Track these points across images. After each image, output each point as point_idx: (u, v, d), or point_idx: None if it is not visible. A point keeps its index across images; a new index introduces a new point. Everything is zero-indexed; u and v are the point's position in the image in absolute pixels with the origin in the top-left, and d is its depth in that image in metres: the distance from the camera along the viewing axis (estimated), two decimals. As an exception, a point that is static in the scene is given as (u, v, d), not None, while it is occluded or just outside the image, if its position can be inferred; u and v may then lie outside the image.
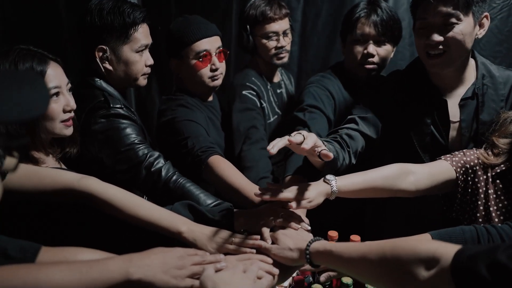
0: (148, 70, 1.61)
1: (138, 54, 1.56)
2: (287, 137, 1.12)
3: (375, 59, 1.76)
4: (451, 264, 0.75)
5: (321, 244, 1.07)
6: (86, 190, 1.12)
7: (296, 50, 2.65)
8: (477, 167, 1.36)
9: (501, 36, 2.29)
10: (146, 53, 1.60)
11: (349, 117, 1.62)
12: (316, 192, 1.23)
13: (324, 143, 1.31)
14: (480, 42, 2.31)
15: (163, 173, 1.42)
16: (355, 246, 0.99)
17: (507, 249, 0.69)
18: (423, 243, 0.84)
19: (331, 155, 1.18)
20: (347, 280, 1.26)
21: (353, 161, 1.50)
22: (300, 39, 2.63)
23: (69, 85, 1.29)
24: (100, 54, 1.52)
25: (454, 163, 1.36)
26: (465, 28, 1.44)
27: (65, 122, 1.27)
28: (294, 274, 1.37)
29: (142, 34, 1.55)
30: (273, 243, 1.16)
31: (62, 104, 1.25)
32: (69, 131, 1.29)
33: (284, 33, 1.95)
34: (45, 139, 1.26)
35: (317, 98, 1.74)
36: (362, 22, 1.74)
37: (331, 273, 1.26)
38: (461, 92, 1.58)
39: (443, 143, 1.58)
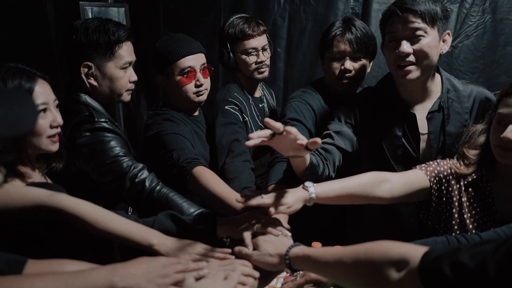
0: (132, 86, 1.66)
1: (122, 70, 1.60)
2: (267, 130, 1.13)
3: (352, 74, 1.83)
4: (419, 265, 0.78)
5: (300, 249, 1.11)
6: (56, 206, 1.13)
7: (282, 66, 2.72)
8: (450, 177, 1.41)
9: (477, 53, 2.38)
10: (130, 70, 1.64)
11: (325, 132, 1.68)
12: (295, 198, 1.27)
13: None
14: (458, 58, 2.40)
15: (147, 183, 1.45)
16: (332, 250, 1.02)
17: (469, 249, 0.73)
18: (393, 246, 0.87)
19: (319, 140, 1.17)
20: None
21: (332, 174, 1.54)
22: (285, 55, 2.71)
23: (56, 101, 1.32)
24: (86, 70, 1.56)
25: (428, 172, 1.42)
26: (431, 42, 1.52)
27: (51, 138, 1.29)
28: (284, 274, 1.41)
29: (126, 52, 1.60)
30: (254, 249, 1.19)
31: (49, 120, 1.28)
32: (55, 147, 1.31)
33: (263, 49, 2.01)
34: (31, 155, 1.28)
35: (299, 112, 1.80)
36: (337, 40, 1.81)
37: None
38: (428, 105, 1.65)
39: (414, 155, 1.64)
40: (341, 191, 1.35)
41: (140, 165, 1.49)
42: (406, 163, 1.61)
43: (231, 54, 2.00)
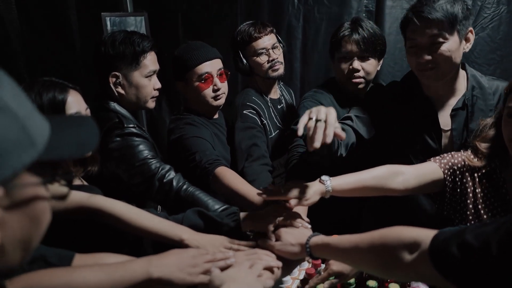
0: (156, 93, 1.76)
1: (147, 79, 1.71)
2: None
3: (361, 73, 1.88)
4: (429, 247, 0.84)
5: (319, 238, 1.18)
6: (95, 207, 1.24)
7: (298, 66, 2.77)
8: (464, 169, 1.44)
9: (493, 44, 2.38)
10: (154, 78, 1.74)
11: (346, 115, 1.73)
12: (312, 191, 1.35)
13: None
14: (474, 50, 2.40)
15: (174, 183, 1.54)
16: (349, 237, 1.08)
17: (473, 230, 0.77)
18: (406, 231, 0.93)
19: (344, 135, 1.25)
20: (393, 286, 1.37)
21: (343, 153, 1.57)
22: (301, 55, 2.75)
23: (88, 110, 1.41)
24: (114, 80, 1.67)
25: (442, 164, 1.45)
26: (451, 46, 1.52)
27: None
28: (307, 265, 1.49)
29: (150, 61, 1.71)
30: (276, 240, 1.28)
31: None
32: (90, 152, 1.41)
33: (273, 47, 2.07)
34: (69, 162, 1.37)
35: None
36: (345, 40, 1.86)
37: (334, 281, 1.36)
38: (452, 102, 1.66)
39: (437, 150, 1.66)
40: (356, 184, 1.40)
41: (167, 167, 1.58)
42: (425, 158, 1.64)
43: (243, 59, 2.07)
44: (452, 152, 1.49)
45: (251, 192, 1.55)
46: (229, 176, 1.63)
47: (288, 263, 1.26)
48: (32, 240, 0.59)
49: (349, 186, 1.40)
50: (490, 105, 1.63)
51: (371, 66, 1.89)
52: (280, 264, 1.20)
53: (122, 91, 1.69)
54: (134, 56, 1.66)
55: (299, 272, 1.54)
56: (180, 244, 1.24)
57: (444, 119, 1.67)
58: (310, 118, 1.23)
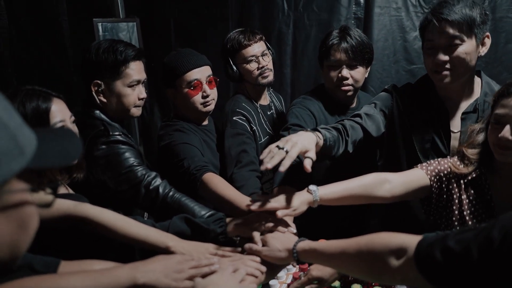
0: (141, 102, 1.74)
1: (130, 88, 1.69)
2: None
3: (350, 81, 1.90)
4: (414, 252, 0.85)
5: (306, 244, 1.19)
6: (82, 215, 1.24)
7: (289, 72, 2.80)
8: (451, 175, 1.47)
9: (479, 51, 2.42)
10: (139, 88, 1.73)
11: (356, 112, 1.75)
12: (300, 201, 1.36)
13: (322, 131, 1.47)
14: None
15: (161, 190, 1.54)
16: (336, 243, 1.09)
17: (456, 235, 0.80)
18: (392, 236, 0.94)
19: (309, 169, 1.30)
20: (335, 283, 1.39)
21: (350, 149, 1.61)
22: (291, 61, 2.79)
23: (72, 117, 1.41)
24: (96, 88, 1.67)
25: (429, 171, 1.47)
26: (468, 48, 1.55)
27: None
28: (295, 269, 1.51)
29: (134, 71, 1.69)
30: (263, 245, 1.28)
31: None
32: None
33: (263, 54, 2.10)
34: (55, 169, 1.37)
35: (300, 118, 1.88)
36: (334, 49, 1.88)
37: (313, 286, 1.39)
38: (464, 106, 1.69)
39: (444, 151, 1.68)
40: (344, 193, 1.42)
41: (153, 173, 1.59)
42: (433, 157, 1.64)
43: (233, 66, 2.10)
44: (439, 159, 1.52)
45: (238, 198, 1.57)
46: (216, 182, 1.64)
47: (273, 267, 1.27)
48: (20, 245, 0.62)
49: (336, 195, 1.41)
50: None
51: (359, 74, 1.92)
52: (264, 268, 1.22)
53: (104, 100, 1.68)
54: (116, 65, 1.64)
55: (286, 276, 1.56)
56: (166, 252, 1.25)
57: (455, 122, 1.70)
58: (277, 146, 1.31)
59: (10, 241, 0.59)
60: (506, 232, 0.70)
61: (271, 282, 1.50)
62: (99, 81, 1.66)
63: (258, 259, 1.25)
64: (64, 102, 1.39)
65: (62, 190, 1.41)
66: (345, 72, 1.88)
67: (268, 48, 2.16)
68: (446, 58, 1.57)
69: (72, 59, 2.98)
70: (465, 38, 1.54)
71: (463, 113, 1.67)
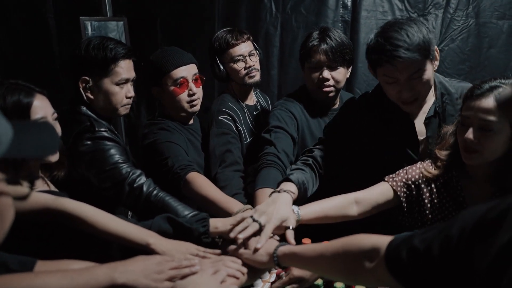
0: (128, 101, 1.72)
1: (119, 86, 1.67)
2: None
3: (331, 82, 1.90)
4: (384, 253, 0.87)
5: (286, 248, 1.21)
6: (60, 209, 1.22)
7: (276, 73, 2.82)
8: (420, 181, 1.48)
9: (463, 56, 2.47)
10: (127, 86, 1.71)
11: (320, 138, 1.78)
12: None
13: (297, 172, 1.53)
14: (444, 61, 2.49)
15: (145, 188, 1.53)
16: (313, 246, 1.12)
17: (421, 234, 0.81)
18: (366, 238, 0.96)
19: (293, 242, 1.34)
20: (318, 281, 1.41)
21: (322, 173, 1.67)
22: (278, 62, 2.80)
23: (55, 114, 1.38)
24: (83, 84, 1.65)
25: (394, 183, 1.50)
26: (428, 73, 1.53)
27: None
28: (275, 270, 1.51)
29: (124, 69, 1.67)
30: (245, 248, 1.29)
31: None
32: (55, 157, 1.37)
33: (250, 54, 2.10)
34: (35, 165, 1.36)
35: (281, 120, 1.89)
36: (314, 50, 1.88)
37: (294, 286, 1.40)
38: (425, 110, 1.69)
39: (415, 158, 1.68)
40: (320, 214, 1.47)
41: (138, 171, 1.58)
42: (406, 166, 1.68)
43: (220, 65, 2.10)
44: (407, 168, 1.53)
45: (221, 198, 1.57)
46: (200, 181, 1.64)
47: (256, 270, 1.28)
48: None
49: (314, 215, 1.46)
50: (459, 110, 1.65)
51: (340, 74, 1.92)
52: (245, 270, 1.22)
53: (91, 96, 1.66)
54: (105, 62, 1.63)
55: (270, 275, 1.57)
56: (146, 249, 1.24)
57: (419, 128, 1.70)
58: (251, 217, 1.34)
59: None
60: (463, 229, 0.70)
61: (255, 281, 1.50)
62: (87, 78, 1.64)
63: (239, 260, 1.25)
64: (47, 98, 1.37)
65: (44, 186, 1.39)
66: (326, 73, 1.88)
67: (256, 48, 2.17)
68: (410, 93, 1.54)
69: (59, 58, 2.96)
70: (425, 67, 1.50)
71: (426, 119, 1.68)
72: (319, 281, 1.47)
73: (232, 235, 1.30)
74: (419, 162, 1.55)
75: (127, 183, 1.54)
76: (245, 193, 1.79)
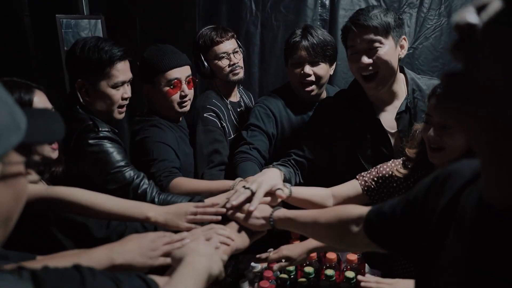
0: (123, 102, 1.71)
1: (115, 89, 1.66)
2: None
3: (312, 77, 1.96)
4: (364, 219, 1.00)
5: (281, 212, 1.31)
6: (55, 196, 1.23)
7: (257, 71, 2.85)
8: (391, 179, 1.54)
9: (436, 53, 2.57)
10: (124, 88, 1.69)
11: (296, 142, 1.86)
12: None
13: (282, 167, 1.63)
14: (418, 58, 2.59)
15: (148, 195, 1.53)
16: (308, 212, 1.24)
17: (389, 202, 0.93)
18: (355, 208, 1.09)
19: (283, 197, 1.48)
20: (349, 274, 1.49)
21: (301, 180, 1.80)
22: (259, 60, 2.83)
23: (53, 110, 1.38)
24: (80, 86, 1.63)
25: (363, 182, 1.58)
26: (388, 50, 1.67)
27: (51, 145, 1.36)
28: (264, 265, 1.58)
29: (120, 71, 1.65)
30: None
31: None
32: (55, 154, 1.38)
33: (234, 51, 2.14)
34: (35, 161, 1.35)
35: (259, 118, 1.98)
36: (296, 47, 1.95)
37: (283, 264, 1.51)
38: (397, 104, 1.79)
39: (387, 153, 1.77)
40: (308, 197, 1.56)
41: (141, 175, 1.58)
42: (378, 161, 1.74)
43: (205, 62, 2.12)
44: (379, 165, 1.60)
45: (211, 184, 1.64)
46: (186, 184, 1.65)
47: (251, 234, 1.36)
48: (12, 217, 0.64)
49: (302, 196, 1.55)
50: None
51: (322, 70, 1.97)
52: (234, 237, 1.28)
53: (87, 98, 1.64)
54: (100, 65, 1.61)
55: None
56: (147, 223, 1.28)
57: (390, 122, 1.79)
58: (243, 186, 1.42)
59: (6, 212, 0.62)
60: (417, 195, 0.83)
61: (253, 263, 1.59)
62: (83, 80, 1.62)
63: (228, 229, 1.31)
64: (44, 94, 1.37)
65: (40, 184, 1.38)
66: (307, 68, 1.95)
67: (239, 46, 2.20)
68: (370, 61, 1.67)
69: (35, 57, 2.90)
70: (383, 40, 1.66)
71: (397, 114, 1.77)
72: (310, 269, 1.52)
73: (228, 205, 1.35)
74: (392, 160, 1.60)
75: (131, 188, 1.54)
76: None
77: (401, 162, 1.54)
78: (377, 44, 1.66)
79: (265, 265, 1.58)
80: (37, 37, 2.88)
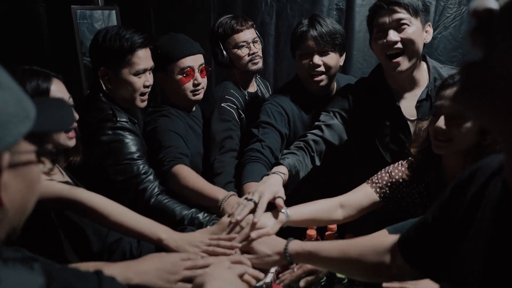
0: (145, 90, 1.72)
1: (137, 77, 1.66)
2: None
3: (322, 68, 1.88)
4: (397, 240, 0.95)
5: (298, 245, 1.20)
6: (75, 198, 1.23)
7: (272, 62, 2.82)
8: (404, 183, 1.51)
9: (455, 43, 2.51)
10: (146, 75, 1.70)
11: (316, 123, 1.80)
12: (274, 221, 1.41)
13: (289, 156, 1.57)
14: (437, 48, 2.53)
15: (147, 193, 1.52)
16: (333, 244, 1.14)
17: (420, 217, 0.90)
18: (386, 236, 1.04)
19: (283, 206, 1.44)
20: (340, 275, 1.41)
21: (318, 163, 1.71)
22: (274, 51, 2.81)
23: (71, 99, 1.39)
24: (102, 74, 1.65)
25: (378, 188, 1.54)
26: (416, 30, 1.66)
27: (68, 133, 1.36)
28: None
29: (141, 59, 1.65)
30: (249, 253, 1.29)
31: None
32: (72, 142, 1.38)
33: (254, 41, 2.11)
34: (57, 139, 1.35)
35: (270, 115, 1.90)
36: (303, 37, 1.87)
37: (309, 278, 1.41)
38: (417, 93, 1.76)
39: (406, 141, 1.73)
40: (307, 216, 1.50)
41: (149, 172, 1.57)
42: (396, 149, 1.72)
43: (224, 51, 2.09)
44: (389, 169, 1.56)
45: (205, 186, 1.59)
46: (185, 175, 1.63)
47: (264, 270, 1.27)
48: (27, 206, 0.64)
49: (302, 217, 1.48)
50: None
51: (332, 60, 1.89)
52: (262, 275, 1.21)
53: (110, 86, 1.66)
54: (122, 52, 1.62)
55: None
56: (158, 244, 1.24)
57: (410, 110, 1.75)
58: (245, 198, 1.40)
59: (20, 200, 0.61)
60: (450, 185, 0.82)
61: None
62: (105, 68, 1.64)
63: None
64: (62, 82, 1.37)
65: (59, 176, 1.39)
66: (317, 59, 1.87)
67: (258, 36, 2.17)
68: (397, 38, 1.65)
69: (50, 48, 2.91)
70: (412, 20, 1.65)
71: (417, 102, 1.74)
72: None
73: (232, 220, 1.31)
74: (400, 163, 1.57)
75: (134, 182, 1.53)
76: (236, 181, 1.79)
77: (407, 164, 1.52)
78: (406, 22, 1.65)
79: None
80: (52, 28, 2.89)
